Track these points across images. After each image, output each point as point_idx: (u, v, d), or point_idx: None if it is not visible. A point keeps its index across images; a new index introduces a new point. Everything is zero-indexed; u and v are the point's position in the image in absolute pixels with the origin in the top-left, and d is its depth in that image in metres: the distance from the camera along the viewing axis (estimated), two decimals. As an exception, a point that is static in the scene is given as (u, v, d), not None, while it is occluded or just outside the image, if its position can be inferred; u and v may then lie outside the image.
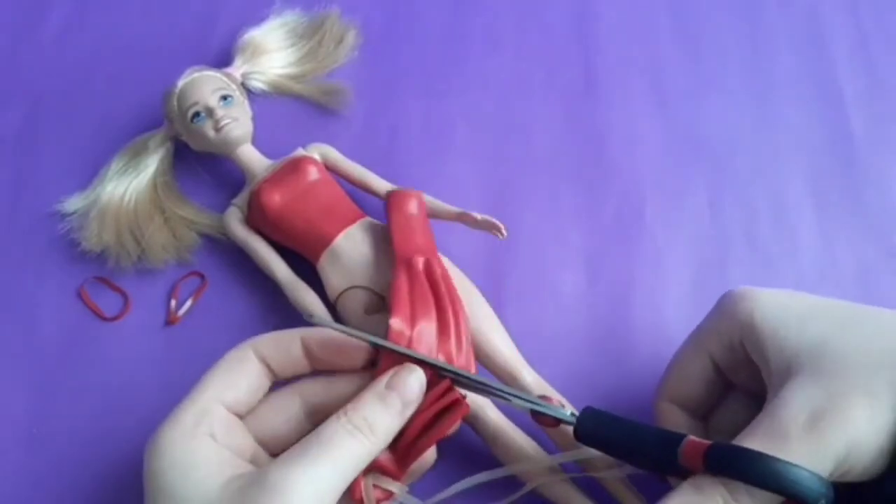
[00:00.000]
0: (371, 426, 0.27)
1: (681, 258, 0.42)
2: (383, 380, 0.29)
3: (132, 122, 0.45)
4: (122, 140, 0.44)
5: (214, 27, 0.49)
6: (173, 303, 0.40)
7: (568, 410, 0.31)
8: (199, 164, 0.44)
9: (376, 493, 0.30)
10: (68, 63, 0.48)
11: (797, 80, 0.47)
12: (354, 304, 0.37)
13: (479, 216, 0.39)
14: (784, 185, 0.44)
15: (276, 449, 0.30)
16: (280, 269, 0.39)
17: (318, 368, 0.31)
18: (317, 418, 0.29)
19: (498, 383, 0.31)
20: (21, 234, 0.43)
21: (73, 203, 0.42)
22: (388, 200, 0.39)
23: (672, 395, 0.33)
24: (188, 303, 0.40)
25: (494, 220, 0.39)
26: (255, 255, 0.40)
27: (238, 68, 0.45)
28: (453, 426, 0.30)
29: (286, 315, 0.39)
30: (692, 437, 0.28)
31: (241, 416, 0.30)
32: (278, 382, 0.31)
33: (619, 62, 0.48)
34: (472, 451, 0.36)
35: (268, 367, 0.30)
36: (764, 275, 0.41)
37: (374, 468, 0.29)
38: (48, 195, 0.43)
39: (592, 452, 0.32)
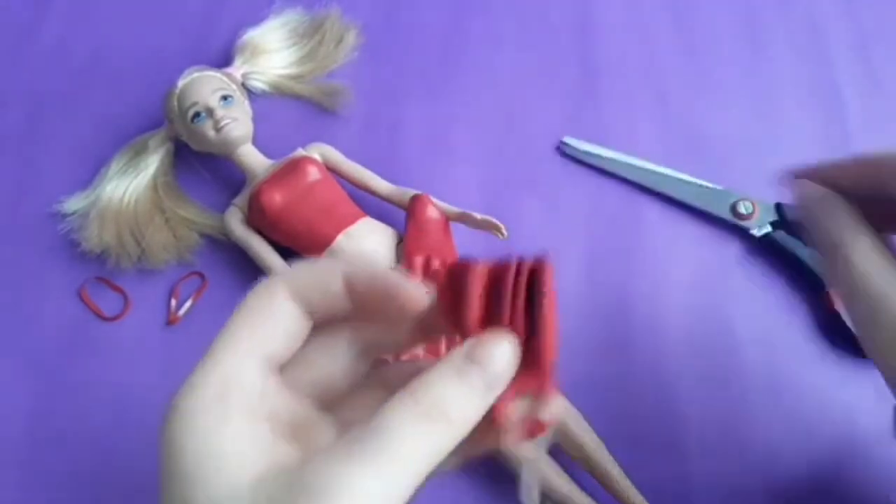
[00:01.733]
0: (446, 411, 0.20)
1: (681, 257, 0.42)
2: (462, 350, 0.21)
3: (132, 122, 0.45)
4: (122, 140, 0.44)
5: (214, 27, 0.49)
6: (173, 303, 0.40)
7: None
8: (199, 164, 0.44)
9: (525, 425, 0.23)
10: (69, 63, 0.48)
11: (797, 80, 0.47)
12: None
13: (479, 216, 0.39)
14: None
15: (327, 397, 0.24)
16: (280, 268, 0.39)
17: (361, 315, 0.24)
18: (372, 355, 0.24)
19: None
20: (22, 234, 0.43)
21: (74, 203, 0.42)
22: (408, 205, 0.40)
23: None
24: (188, 303, 0.40)
25: (495, 220, 0.39)
26: (255, 255, 0.40)
27: (238, 68, 0.45)
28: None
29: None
30: None
31: (279, 368, 0.23)
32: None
33: (619, 62, 0.48)
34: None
35: (304, 306, 0.23)
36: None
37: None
38: (49, 195, 0.43)
39: None
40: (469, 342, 0.21)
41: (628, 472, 0.35)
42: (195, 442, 0.20)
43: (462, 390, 0.21)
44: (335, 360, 0.24)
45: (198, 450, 0.20)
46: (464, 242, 0.41)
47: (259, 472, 0.20)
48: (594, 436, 0.35)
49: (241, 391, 0.21)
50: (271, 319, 0.23)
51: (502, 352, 0.21)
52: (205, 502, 0.20)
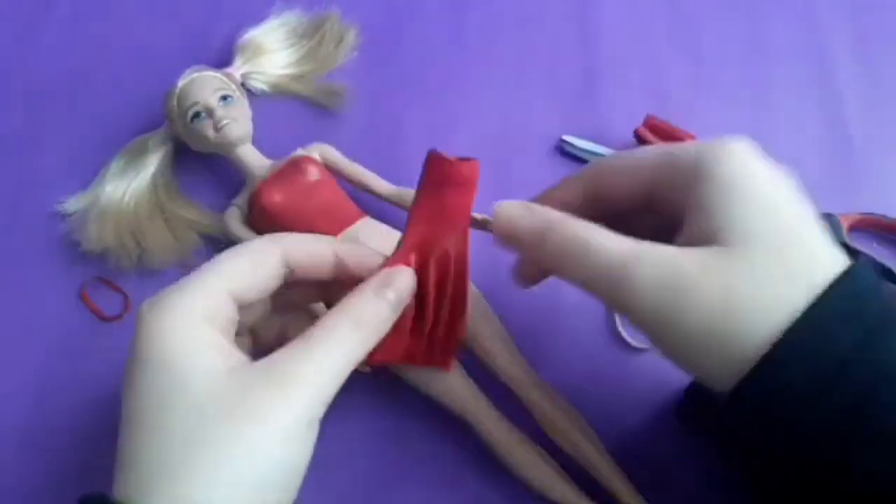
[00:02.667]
0: (369, 320, 0.28)
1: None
2: (377, 279, 0.29)
3: (132, 123, 0.45)
4: (122, 140, 0.44)
5: (214, 27, 0.49)
6: (173, 303, 0.40)
7: None
8: (199, 164, 0.44)
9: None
10: (69, 63, 0.48)
11: (797, 80, 0.47)
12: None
13: (479, 216, 0.39)
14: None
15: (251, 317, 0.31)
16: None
17: (339, 282, 0.31)
18: (293, 285, 0.31)
19: None
20: (22, 234, 0.43)
21: (74, 203, 0.42)
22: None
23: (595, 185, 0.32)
24: (188, 303, 0.40)
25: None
26: (255, 255, 0.40)
27: (238, 68, 0.45)
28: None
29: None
30: None
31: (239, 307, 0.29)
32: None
33: (619, 62, 0.48)
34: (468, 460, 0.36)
35: (289, 270, 0.30)
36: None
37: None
38: (49, 196, 0.43)
39: None
40: (383, 272, 0.30)
41: (626, 470, 0.35)
42: (177, 333, 0.26)
43: (376, 307, 0.29)
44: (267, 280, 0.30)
45: (176, 347, 0.26)
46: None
47: (230, 367, 0.26)
48: (595, 436, 0.35)
49: (218, 311, 0.27)
50: (259, 272, 0.29)
51: (405, 278, 0.30)
52: (181, 386, 0.25)
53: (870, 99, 0.46)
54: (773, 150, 0.45)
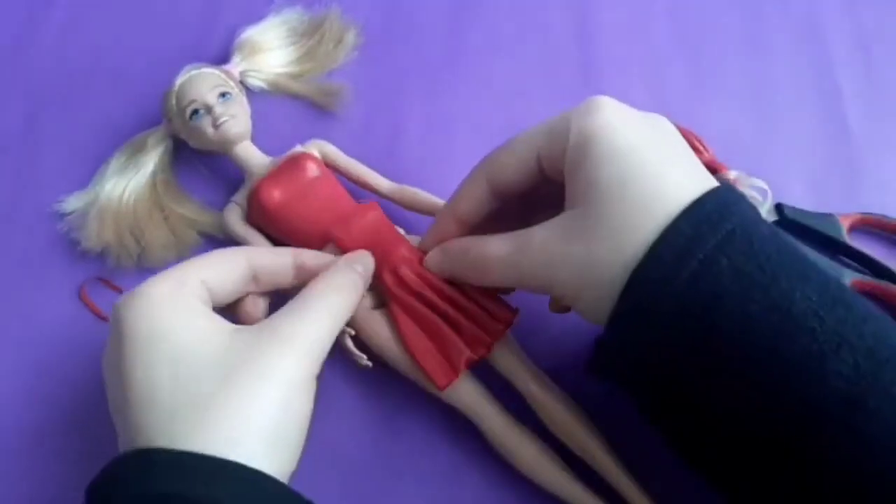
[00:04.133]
0: (347, 285, 0.33)
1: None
2: (344, 258, 0.35)
3: (132, 121, 0.45)
4: (121, 138, 0.44)
5: (213, 25, 0.49)
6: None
7: None
8: (198, 161, 0.44)
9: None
10: (68, 62, 0.48)
11: (797, 80, 0.47)
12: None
13: (479, 216, 0.39)
14: (783, 185, 0.44)
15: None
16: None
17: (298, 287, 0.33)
18: (258, 284, 0.33)
19: None
20: (21, 233, 0.43)
21: (73, 202, 0.42)
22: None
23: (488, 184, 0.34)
24: (187, 302, 0.40)
25: (495, 220, 0.39)
26: (254, 253, 0.40)
27: (237, 66, 0.45)
28: None
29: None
30: None
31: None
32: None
33: (619, 62, 0.48)
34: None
35: (253, 276, 0.33)
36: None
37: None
38: (48, 194, 0.43)
39: None
40: (350, 254, 0.35)
41: (633, 470, 0.34)
42: (170, 305, 0.28)
43: (349, 275, 0.33)
44: (235, 282, 0.32)
45: (176, 308, 0.28)
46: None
47: (231, 329, 0.29)
48: (601, 436, 0.35)
49: (200, 292, 0.30)
50: (229, 272, 0.32)
51: (366, 256, 0.35)
52: (190, 351, 0.27)
53: (870, 98, 0.46)
54: (774, 149, 0.45)
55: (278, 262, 0.33)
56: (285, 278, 0.34)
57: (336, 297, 0.32)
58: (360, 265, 0.34)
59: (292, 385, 0.28)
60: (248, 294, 0.33)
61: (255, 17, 0.47)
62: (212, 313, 0.30)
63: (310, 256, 0.34)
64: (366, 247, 0.36)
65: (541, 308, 0.39)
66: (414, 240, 0.39)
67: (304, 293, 0.31)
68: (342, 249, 0.36)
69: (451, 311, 0.35)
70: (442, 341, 0.35)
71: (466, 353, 0.34)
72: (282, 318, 0.30)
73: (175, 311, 0.28)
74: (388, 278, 0.36)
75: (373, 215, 0.38)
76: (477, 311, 0.35)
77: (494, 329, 0.35)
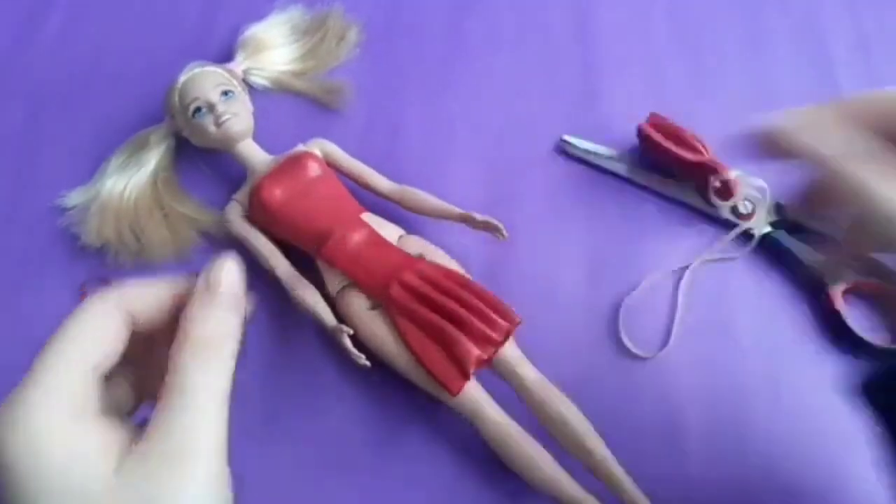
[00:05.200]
0: (214, 340, 0.24)
1: (681, 257, 0.42)
2: (200, 281, 0.25)
3: (133, 118, 0.45)
4: (123, 136, 0.44)
5: (216, 23, 0.49)
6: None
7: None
8: (200, 159, 0.44)
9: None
10: (70, 59, 0.48)
11: (797, 79, 0.47)
12: (355, 299, 0.37)
13: (479, 217, 0.39)
14: (783, 185, 0.44)
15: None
16: (280, 264, 0.39)
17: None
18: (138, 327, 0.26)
19: None
20: (21, 233, 0.43)
21: (74, 197, 0.42)
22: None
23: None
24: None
25: (495, 221, 0.39)
26: (255, 251, 0.40)
27: (239, 64, 0.45)
28: None
29: (286, 312, 0.39)
30: None
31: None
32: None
33: (619, 62, 0.48)
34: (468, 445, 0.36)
35: (131, 319, 0.25)
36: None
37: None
38: (49, 191, 0.43)
39: None
40: (203, 273, 0.25)
41: (629, 472, 0.34)
42: (51, 449, 0.22)
43: (216, 313, 0.24)
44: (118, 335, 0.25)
45: (53, 457, 0.22)
46: (465, 243, 0.41)
47: (116, 460, 0.22)
48: (597, 436, 0.35)
49: (86, 395, 0.24)
50: (105, 334, 0.25)
51: (227, 271, 0.25)
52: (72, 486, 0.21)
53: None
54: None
55: (154, 299, 0.26)
56: (168, 314, 0.26)
57: (215, 365, 0.24)
58: (226, 292, 0.25)
59: (207, 499, 0.23)
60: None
61: (255, 16, 0.47)
62: (99, 432, 0.23)
63: (190, 285, 0.26)
64: (364, 266, 0.36)
65: (541, 311, 0.40)
66: (414, 239, 0.39)
67: (174, 384, 0.23)
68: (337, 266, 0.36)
69: (459, 309, 0.35)
70: (450, 345, 0.35)
71: (475, 352, 0.34)
72: (167, 427, 0.23)
73: (55, 449, 0.22)
74: (397, 292, 0.36)
75: (365, 231, 0.38)
76: (484, 309, 0.35)
77: (501, 327, 0.35)
